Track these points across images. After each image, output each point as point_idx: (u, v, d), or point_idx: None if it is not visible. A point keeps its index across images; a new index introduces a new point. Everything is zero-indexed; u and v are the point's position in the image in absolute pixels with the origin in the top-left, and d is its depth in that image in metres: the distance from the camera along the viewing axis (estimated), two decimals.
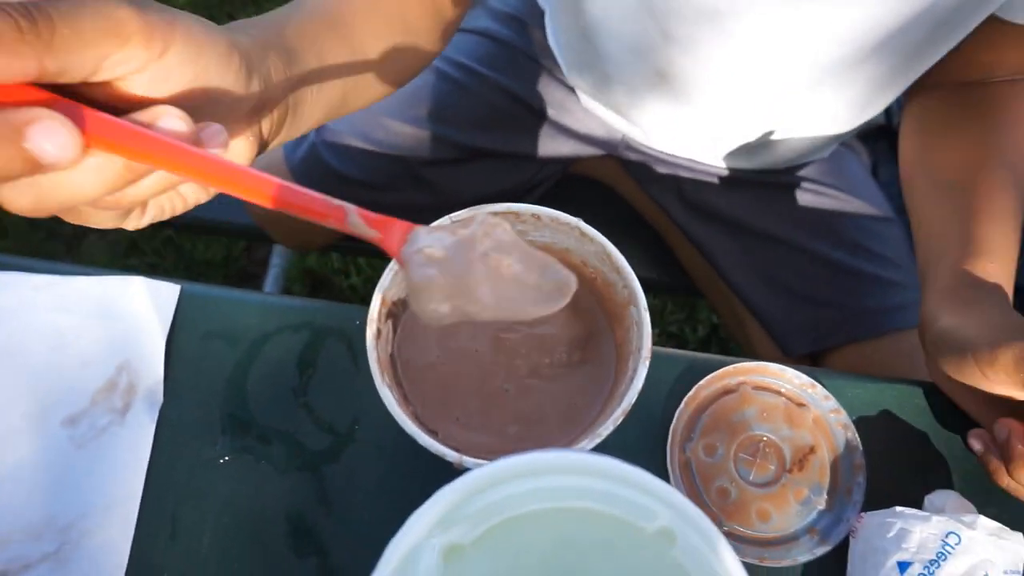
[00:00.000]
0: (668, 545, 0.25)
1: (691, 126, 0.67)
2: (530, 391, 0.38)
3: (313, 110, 0.38)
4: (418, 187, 0.74)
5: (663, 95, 0.63)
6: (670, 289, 0.85)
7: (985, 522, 0.41)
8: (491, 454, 0.36)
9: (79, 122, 0.23)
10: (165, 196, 0.30)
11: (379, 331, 0.36)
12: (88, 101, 0.25)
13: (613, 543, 0.26)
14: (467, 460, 0.33)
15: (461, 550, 0.27)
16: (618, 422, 0.34)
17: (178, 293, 0.49)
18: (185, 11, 0.27)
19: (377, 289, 0.37)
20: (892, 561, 0.41)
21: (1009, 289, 0.47)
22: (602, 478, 0.25)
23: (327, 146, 0.73)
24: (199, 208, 0.32)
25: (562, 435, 0.37)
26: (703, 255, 0.75)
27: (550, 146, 0.74)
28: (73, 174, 0.24)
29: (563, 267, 0.30)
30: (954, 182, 0.52)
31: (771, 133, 0.65)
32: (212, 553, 0.43)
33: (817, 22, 0.50)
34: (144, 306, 0.48)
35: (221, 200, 0.36)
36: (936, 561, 0.40)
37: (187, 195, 0.30)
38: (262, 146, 0.33)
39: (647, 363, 0.34)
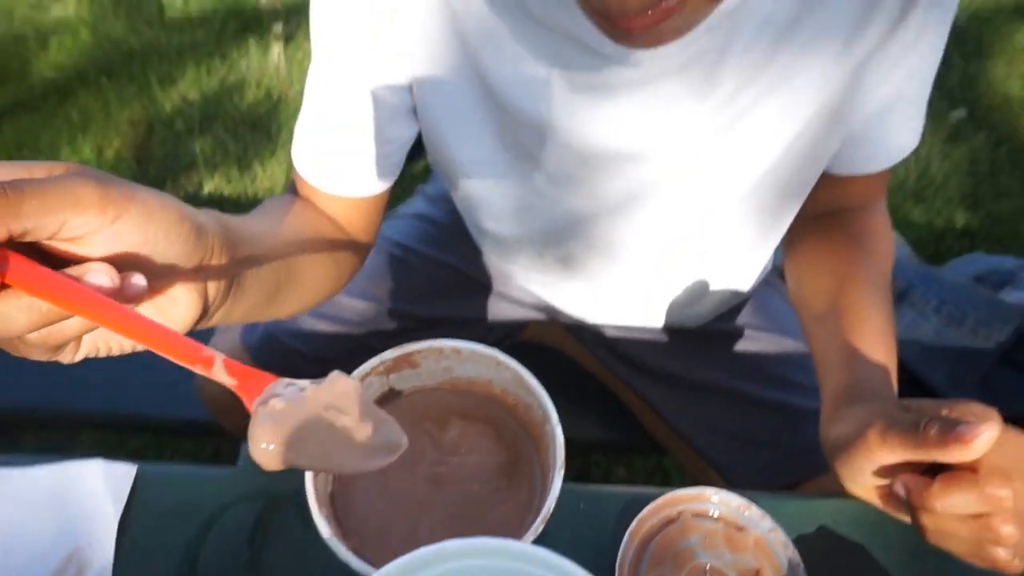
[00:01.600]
0: None
1: (599, 299, 0.73)
2: (464, 517, 0.40)
3: (251, 290, 0.43)
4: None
5: (569, 278, 0.70)
6: (634, 448, 0.87)
7: None
8: None
9: (9, 268, 0.28)
10: (99, 337, 0.35)
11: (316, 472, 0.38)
12: (52, 254, 0.30)
13: None
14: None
15: None
16: (538, 531, 0.35)
17: (134, 474, 0.50)
18: (151, 188, 0.33)
19: None
20: None
21: (890, 381, 0.52)
22: (500, 557, 0.27)
23: (283, 328, 0.78)
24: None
25: None
26: (651, 409, 0.78)
27: (494, 310, 0.80)
28: (4, 310, 0.29)
29: (399, 427, 0.33)
30: (825, 311, 0.58)
31: (682, 296, 0.70)
32: None
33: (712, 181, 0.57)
34: (99, 490, 0.50)
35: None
36: None
37: (123, 341, 0.35)
38: (206, 308, 0.38)
39: (562, 472, 0.37)
